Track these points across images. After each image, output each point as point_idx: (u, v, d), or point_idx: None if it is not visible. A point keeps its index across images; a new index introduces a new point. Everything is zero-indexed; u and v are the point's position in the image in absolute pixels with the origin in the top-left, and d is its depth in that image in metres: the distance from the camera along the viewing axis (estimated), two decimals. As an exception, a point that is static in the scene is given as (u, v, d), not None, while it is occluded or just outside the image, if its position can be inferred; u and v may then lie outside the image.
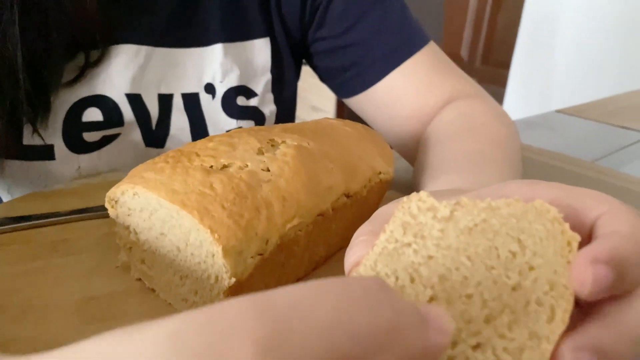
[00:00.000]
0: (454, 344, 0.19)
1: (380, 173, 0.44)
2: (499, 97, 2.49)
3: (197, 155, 0.35)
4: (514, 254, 0.21)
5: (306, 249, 0.38)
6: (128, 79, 0.54)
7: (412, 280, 0.21)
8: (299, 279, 0.40)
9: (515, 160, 0.46)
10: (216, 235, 0.30)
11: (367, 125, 0.53)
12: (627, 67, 1.91)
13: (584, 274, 0.19)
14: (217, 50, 0.57)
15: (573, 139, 0.94)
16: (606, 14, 1.96)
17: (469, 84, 0.60)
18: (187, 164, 0.34)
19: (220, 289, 0.31)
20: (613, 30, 1.95)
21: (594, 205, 0.23)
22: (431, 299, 0.20)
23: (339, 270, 0.42)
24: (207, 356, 0.13)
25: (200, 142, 0.38)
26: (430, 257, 0.22)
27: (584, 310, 0.21)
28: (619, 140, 0.93)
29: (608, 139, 0.93)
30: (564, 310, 0.19)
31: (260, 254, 0.32)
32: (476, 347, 0.19)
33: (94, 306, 0.35)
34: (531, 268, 0.21)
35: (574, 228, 0.22)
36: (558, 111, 1.09)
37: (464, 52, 2.85)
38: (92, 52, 0.52)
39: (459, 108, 0.55)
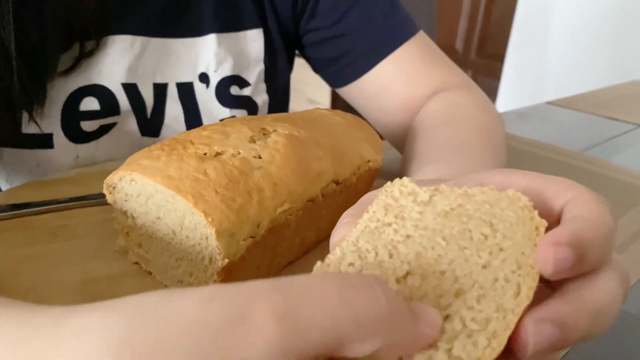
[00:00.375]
0: None
1: (369, 161, 0.46)
2: (493, 89, 2.50)
3: (192, 143, 0.37)
4: (485, 237, 0.23)
5: (297, 233, 0.39)
6: (124, 68, 0.55)
7: (391, 256, 0.23)
8: (290, 263, 0.41)
9: (499, 148, 0.48)
10: (210, 218, 0.32)
11: (359, 115, 0.54)
12: (618, 60, 1.93)
13: (546, 254, 0.21)
14: (210, 40, 0.59)
15: (562, 129, 0.95)
16: (598, 8, 1.98)
17: (456, 74, 0.62)
18: (182, 151, 0.36)
19: (214, 269, 0.33)
20: (605, 23, 1.96)
21: (562, 192, 0.24)
22: (407, 274, 0.22)
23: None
24: (234, 318, 0.16)
25: (195, 131, 0.39)
26: (408, 237, 0.24)
27: (550, 288, 0.23)
28: (607, 131, 0.94)
29: (596, 130, 0.95)
30: (529, 287, 0.21)
31: (252, 237, 0.34)
32: (446, 318, 0.20)
33: (93, 287, 0.37)
34: (501, 249, 0.22)
35: (543, 213, 0.24)
36: (548, 102, 1.11)
37: (458, 45, 2.86)
38: (87, 42, 0.53)
39: (446, 98, 0.57)
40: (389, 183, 0.27)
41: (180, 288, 0.18)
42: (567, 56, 2.10)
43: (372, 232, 0.24)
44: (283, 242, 0.38)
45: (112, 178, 0.37)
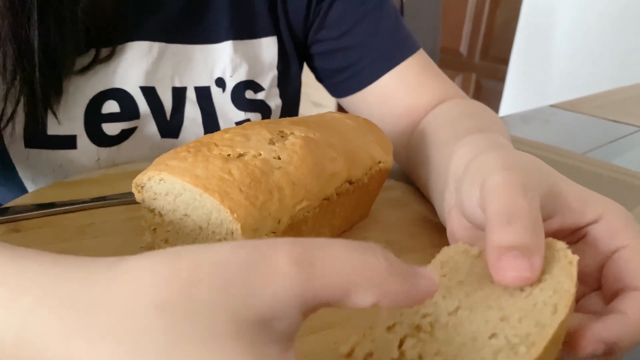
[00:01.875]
0: (474, 338, 0.24)
1: (379, 162, 0.48)
2: (497, 92, 2.52)
3: (216, 145, 0.39)
4: None
5: (313, 229, 0.42)
6: (142, 72, 0.58)
7: (444, 297, 0.27)
8: (306, 258, 0.44)
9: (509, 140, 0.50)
10: (235, 214, 0.34)
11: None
12: (622, 63, 1.95)
13: (584, 345, 0.26)
14: (227, 47, 0.61)
15: (566, 132, 0.97)
16: (603, 10, 2.00)
17: (454, 89, 0.65)
18: (207, 153, 0.38)
19: (239, 262, 0.35)
20: (608, 27, 1.98)
21: (588, 209, 0.29)
22: (457, 308, 0.26)
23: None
24: (259, 260, 0.19)
25: (217, 134, 0.42)
26: (460, 282, 0.28)
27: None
28: (609, 133, 0.96)
29: (599, 132, 0.97)
30: (565, 306, 0.24)
31: (274, 232, 0.36)
32: (491, 336, 0.24)
33: (123, 281, 0.39)
34: (539, 281, 0.26)
35: (565, 229, 0.29)
36: (552, 105, 1.13)
37: (462, 48, 2.89)
38: (105, 49, 0.55)
39: (452, 103, 0.60)
40: (445, 248, 0.31)
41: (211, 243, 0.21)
42: (571, 59, 2.12)
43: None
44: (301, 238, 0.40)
45: (141, 178, 0.39)
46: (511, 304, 0.25)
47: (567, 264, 0.27)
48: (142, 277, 0.20)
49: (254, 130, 0.42)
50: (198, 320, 0.18)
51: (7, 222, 0.46)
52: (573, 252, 0.27)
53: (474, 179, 0.33)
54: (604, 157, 0.82)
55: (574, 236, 0.32)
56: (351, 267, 0.20)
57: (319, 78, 0.70)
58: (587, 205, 0.31)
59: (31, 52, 0.49)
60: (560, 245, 0.28)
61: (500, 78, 2.57)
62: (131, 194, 0.42)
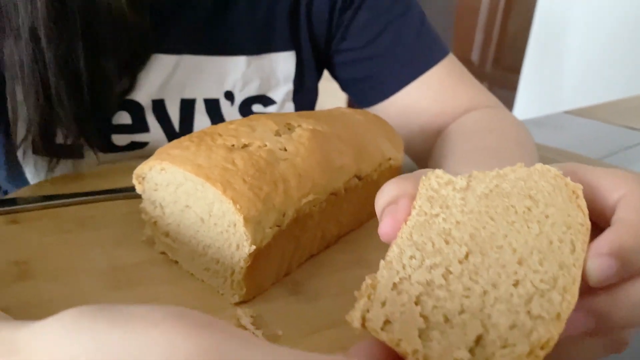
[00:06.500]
0: (495, 285, 0.22)
1: (390, 159, 0.47)
2: (509, 101, 2.50)
3: (220, 135, 0.38)
4: (529, 208, 0.25)
5: (319, 225, 0.40)
6: (157, 85, 0.56)
7: (447, 242, 0.25)
8: (312, 256, 0.42)
9: (535, 161, 0.49)
10: (238, 205, 0.33)
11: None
12: (636, 70, 1.92)
13: (590, 266, 0.23)
14: (240, 61, 0.60)
15: (580, 138, 0.95)
16: (616, 16, 1.97)
17: (486, 96, 0.63)
18: (211, 142, 0.37)
19: (241, 256, 0.34)
20: (621, 33, 1.96)
21: (613, 186, 0.26)
22: (467, 254, 0.24)
23: (350, 250, 0.44)
24: None
25: (222, 125, 0.40)
26: (458, 222, 0.25)
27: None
28: (624, 140, 0.94)
29: (614, 139, 0.95)
30: (583, 242, 0.23)
31: (278, 225, 0.35)
32: (515, 284, 0.22)
33: (121, 274, 0.38)
34: (547, 216, 0.25)
35: (598, 208, 0.26)
36: (566, 112, 1.11)
37: (474, 56, 2.87)
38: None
39: (479, 114, 0.58)
40: (424, 177, 0.28)
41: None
42: (584, 67, 2.10)
43: (422, 225, 0.26)
44: (306, 233, 0.39)
45: (142, 168, 0.38)
46: (523, 242, 0.24)
47: (570, 194, 0.25)
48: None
49: (259, 122, 0.41)
50: None
51: (6, 213, 0.45)
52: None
53: None
54: (620, 164, 0.80)
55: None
56: None
57: (342, 87, 0.69)
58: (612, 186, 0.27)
59: (78, 81, 0.48)
60: (554, 171, 0.26)
61: (512, 87, 2.54)
62: (133, 188, 0.40)
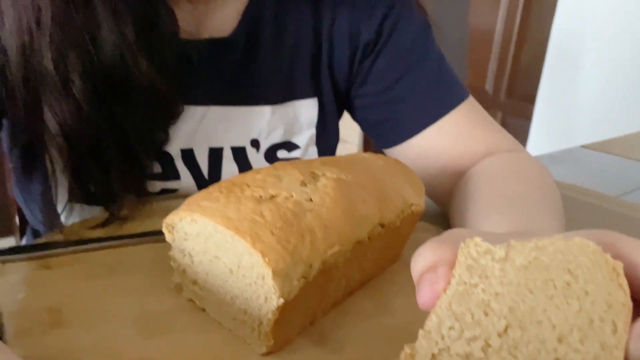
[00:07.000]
0: None
1: (412, 205, 0.47)
2: (524, 130, 2.50)
3: (248, 186, 0.39)
4: (568, 283, 0.25)
5: (344, 274, 0.41)
6: (185, 135, 0.58)
7: (486, 314, 0.25)
8: (336, 303, 0.43)
9: (560, 207, 0.49)
10: (267, 258, 0.34)
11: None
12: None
13: (632, 348, 0.23)
14: (265, 110, 0.62)
15: (598, 174, 0.95)
16: (631, 49, 1.98)
17: (506, 138, 0.63)
18: (239, 194, 0.38)
19: (269, 308, 0.35)
20: (638, 64, 1.96)
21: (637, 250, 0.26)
22: (506, 327, 0.24)
23: (372, 295, 0.44)
24: None
25: (249, 174, 0.41)
26: (497, 294, 0.26)
27: None
28: (644, 175, 0.94)
29: (634, 174, 0.94)
30: (625, 323, 0.23)
31: (305, 277, 0.36)
32: None
33: (150, 321, 0.39)
34: (586, 293, 0.24)
35: (637, 286, 0.25)
36: (583, 146, 1.11)
37: (488, 86, 2.88)
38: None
39: (500, 159, 0.58)
40: (462, 244, 0.28)
41: None
42: (600, 98, 2.10)
43: (462, 294, 0.26)
44: (331, 283, 0.39)
45: (173, 218, 0.39)
46: (563, 319, 0.24)
47: (610, 271, 0.25)
48: None
49: (285, 171, 0.42)
50: None
51: (38, 258, 0.46)
52: None
53: None
54: (639, 201, 0.80)
55: None
56: None
57: (362, 128, 0.70)
58: None
59: (116, 137, 0.51)
60: (593, 246, 0.26)
61: (527, 116, 2.55)
62: (159, 232, 0.41)
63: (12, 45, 0.45)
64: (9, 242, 2.31)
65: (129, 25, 0.48)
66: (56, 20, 0.45)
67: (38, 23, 0.45)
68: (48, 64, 0.46)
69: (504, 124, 2.86)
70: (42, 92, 0.48)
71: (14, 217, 0.97)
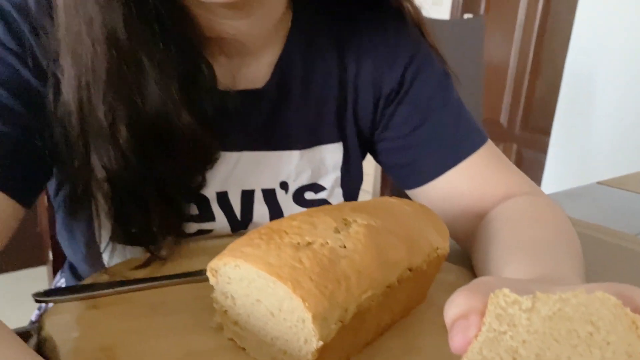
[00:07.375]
0: None
1: (437, 249, 0.50)
2: (538, 162, 2.52)
3: (286, 232, 0.42)
4: (591, 334, 0.28)
5: (375, 316, 0.43)
6: (220, 179, 0.62)
7: (514, 359, 0.28)
8: (367, 344, 0.45)
9: (578, 250, 0.52)
10: (307, 303, 0.36)
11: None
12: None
13: None
14: (294, 155, 0.66)
15: (616, 211, 0.97)
16: (645, 84, 2.00)
17: (525, 182, 0.66)
18: (279, 240, 0.41)
19: (309, 350, 0.37)
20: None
21: None
22: None
23: (401, 335, 0.47)
24: None
25: (285, 221, 0.45)
26: (524, 341, 0.28)
27: None
28: (661, 213, 0.95)
29: (650, 212, 0.96)
30: None
31: (341, 321, 0.38)
32: None
33: (196, 361, 0.42)
34: (608, 343, 0.27)
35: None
36: (599, 183, 1.12)
37: (503, 118, 2.92)
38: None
39: (519, 203, 0.61)
40: (492, 294, 0.31)
41: None
42: (614, 131, 2.12)
43: (491, 341, 0.29)
44: (364, 325, 0.42)
45: (217, 263, 0.42)
46: None
47: (630, 324, 0.27)
48: None
49: (319, 218, 0.45)
50: None
51: (85, 298, 0.49)
52: None
53: None
54: (657, 239, 0.81)
55: None
56: None
57: (385, 170, 0.74)
58: None
59: (159, 183, 0.55)
60: (614, 300, 0.28)
61: (542, 148, 2.57)
62: (198, 272, 0.45)
63: (71, 101, 0.50)
64: (40, 271, 2.35)
65: (173, 81, 0.52)
66: (110, 77, 0.50)
67: (94, 80, 0.49)
68: (100, 115, 0.50)
69: (519, 156, 2.88)
70: (91, 141, 0.52)
71: (47, 249, 1.01)
